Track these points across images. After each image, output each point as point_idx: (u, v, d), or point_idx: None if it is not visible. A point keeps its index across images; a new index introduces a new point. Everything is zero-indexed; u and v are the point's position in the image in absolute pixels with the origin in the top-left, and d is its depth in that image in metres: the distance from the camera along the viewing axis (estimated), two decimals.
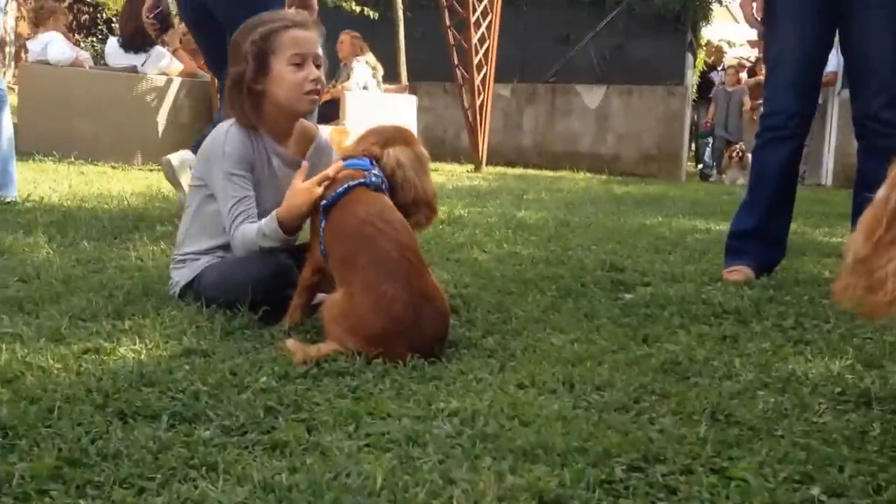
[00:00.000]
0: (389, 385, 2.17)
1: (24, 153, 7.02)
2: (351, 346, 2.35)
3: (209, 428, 1.82)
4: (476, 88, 11.13)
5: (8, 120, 5.07)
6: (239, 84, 2.86)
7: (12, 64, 19.23)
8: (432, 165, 2.96)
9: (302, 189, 2.69)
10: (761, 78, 12.61)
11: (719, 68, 15.78)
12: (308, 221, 2.79)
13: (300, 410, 1.96)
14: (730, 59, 17.70)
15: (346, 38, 10.49)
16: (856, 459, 1.78)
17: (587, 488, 1.58)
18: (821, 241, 5.40)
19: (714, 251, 4.43)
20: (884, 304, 1.89)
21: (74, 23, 16.40)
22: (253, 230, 2.76)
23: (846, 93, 3.93)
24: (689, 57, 14.05)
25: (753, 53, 17.94)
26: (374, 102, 9.97)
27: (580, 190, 9.08)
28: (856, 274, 1.95)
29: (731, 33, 19.57)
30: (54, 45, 8.52)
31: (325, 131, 3.27)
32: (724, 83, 14.98)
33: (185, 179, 4.44)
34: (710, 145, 14.94)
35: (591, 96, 13.88)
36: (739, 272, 3.74)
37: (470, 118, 11.37)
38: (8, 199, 4.98)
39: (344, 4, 12.80)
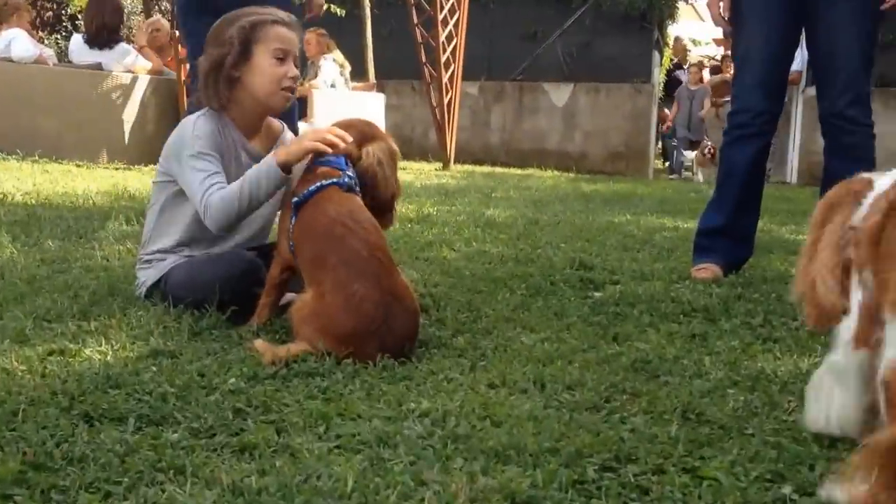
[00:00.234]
0: (360, 385, 2.15)
1: None
2: (321, 345, 2.33)
3: (177, 430, 1.79)
4: (444, 86, 11.13)
5: None
6: (219, 67, 2.85)
7: None
8: (400, 164, 2.96)
9: (313, 132, 2.71)
10: (727, 76, 12.69)
11: (685, 66, 15.86)
12: (277, 220, 2.77)
13: (269, 412, 1.94)
14: (693, 56, 17.80)
15: (312, 36, 10.42)
16: (826, 458, 1.78)
17: (560, 489, 1.58)
18: (787, 238, 5.44)
19: (682, 249, 4.45)
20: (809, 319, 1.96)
21: (38, 20, 16.19)
22: (235, 187, 2.72)
23: (810, 91, 3.97)
24: (656, 55, 14.11)
25: (719, 52, 18.04)
26: (342, 100, 9.93)
27: (548, 188, 9.10)
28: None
29: (697, 32, 19.70)
30: (18, 43, 8.40)
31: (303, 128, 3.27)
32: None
33: None
34: (676, 147, 15.01)
35: (559, 94, 13.91)
36: (707, 270, 3.76)
37: (438, 116, 11.37)
38: None
39: None
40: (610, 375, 2.31)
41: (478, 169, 12.08)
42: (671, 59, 16.03)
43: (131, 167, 8.02)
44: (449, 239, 4.59)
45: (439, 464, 1.67)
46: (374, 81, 12.13)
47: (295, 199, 2.61)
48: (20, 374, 2.09)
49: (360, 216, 2.55)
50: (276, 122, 3.10)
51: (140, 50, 8.80)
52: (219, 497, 1.50)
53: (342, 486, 1.54)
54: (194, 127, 2.84)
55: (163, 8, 13.50)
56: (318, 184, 2.60)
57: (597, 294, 3.35)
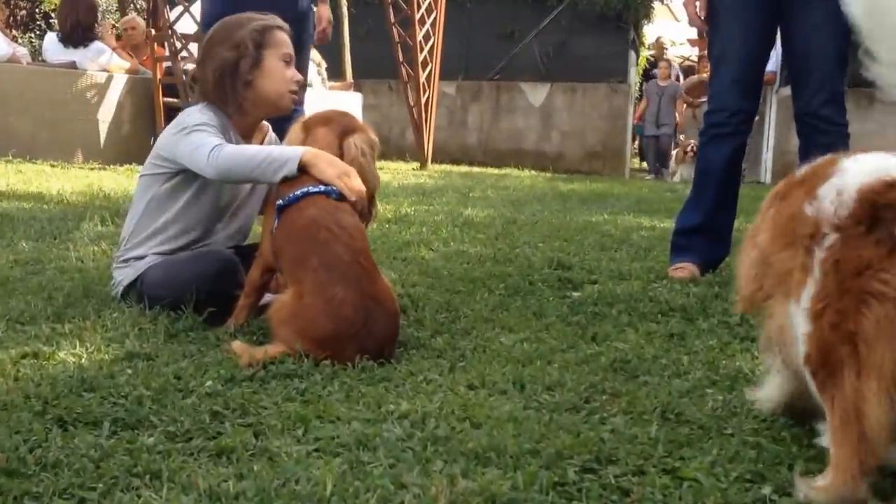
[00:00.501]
0: (338, 387, 2.14)
1: None
2: (299, 348, 2.31)
3: (153, 434, 1.77)
4: (421, 86, 11.12)
5: None
6: (234, 71, 2.86)
7: None
8: (378, 163, 2.94)
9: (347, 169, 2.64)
10: (704, 76, 12.73)
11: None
12: (259, 221, 2.75)
13: (247, 415, 1.92)
14: (668, 56, 17.85)
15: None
16: (805, 458, 1.79)
17: (540, 491, 1.57)
18: None
19: (659, 248, 4.46)
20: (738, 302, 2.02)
21: (11, 18, 16.08)
22: (253, 150, 2.71)
23: (784, 91, 3.99)
24: (632, 55, 14.16)
25: (694, 52, 18.12)
26: (319, 99, 9.89)
27: (526, 187, 9.10)
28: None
29: (672, 32, 19.77)
30: None
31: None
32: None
33: None
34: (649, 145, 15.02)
35: (536, 94, 13.94)
36: (685, 269, 3.77)
37: (415, 116, 11.36)
38: None
39: None
40: (589, 376, 2.30)
41: (455, 169, 12.09)
42: (647, 59, 16.07)
43: (107, 167, 7.96)
44: (427, 239, 4.58)
45: (419, 466, 1.65)
46: (352, 81, 12.11)
47: (279, 201, 2.59)
48: None
49: (345, 222, 2.52)
50: (264, 122, 3.12)
51: (112, 51, 8.74)
52: (195, 502, 1.48)
53: (321, 490, 1.53)
54: (196, 116, 2.84)
55: (138, 6, 13.42)
56: (305, 189, 2.57)
57: (575, 294, 3.35)
